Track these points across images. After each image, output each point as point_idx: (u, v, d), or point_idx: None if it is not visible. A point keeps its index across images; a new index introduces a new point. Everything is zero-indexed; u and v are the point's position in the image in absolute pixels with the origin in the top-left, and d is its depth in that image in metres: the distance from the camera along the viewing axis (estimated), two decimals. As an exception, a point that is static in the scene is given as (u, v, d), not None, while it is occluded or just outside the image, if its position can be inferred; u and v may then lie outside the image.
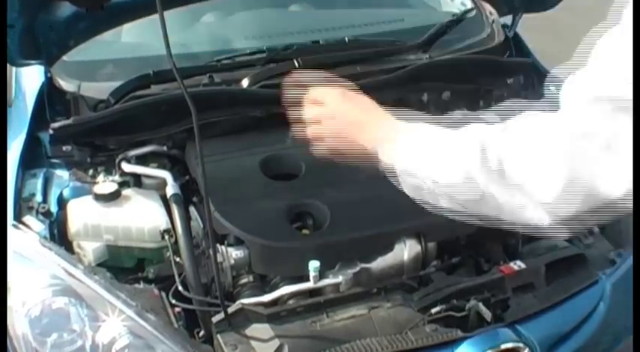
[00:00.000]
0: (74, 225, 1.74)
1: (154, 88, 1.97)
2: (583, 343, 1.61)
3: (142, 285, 1.65)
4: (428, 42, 2.28)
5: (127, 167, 1.91)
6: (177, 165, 1.97)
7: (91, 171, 1.93)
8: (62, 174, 1.91)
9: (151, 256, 1.76)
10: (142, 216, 1.76)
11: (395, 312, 1.56)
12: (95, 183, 1.87)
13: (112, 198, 1.78)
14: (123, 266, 1.76)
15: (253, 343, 1.47)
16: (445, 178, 1.07)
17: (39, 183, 1.86)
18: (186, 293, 1.61)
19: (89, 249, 1.72)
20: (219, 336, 1.49)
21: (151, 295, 1.61)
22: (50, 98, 2.02)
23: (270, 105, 2.00)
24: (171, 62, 1.43)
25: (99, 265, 1.71)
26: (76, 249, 1.74)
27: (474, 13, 2.43)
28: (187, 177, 1.93)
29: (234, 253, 1.68)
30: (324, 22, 2.45)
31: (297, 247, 1.67)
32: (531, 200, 0.94)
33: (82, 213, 1.76)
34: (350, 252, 1.71)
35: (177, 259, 1.68)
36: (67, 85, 2.02)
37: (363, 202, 1.78)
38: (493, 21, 2.45)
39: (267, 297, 1.60)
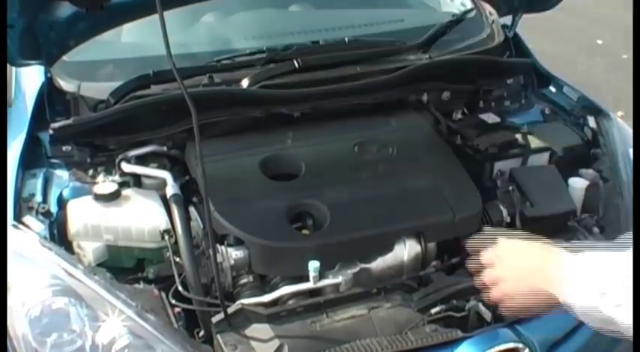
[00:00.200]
0: (74, 225, 1.74)
1: (154, 88, 1.97)
2: (583, 343, 1.61)
3: (141, 285, 1.65)
4: (428, 42, 2.28)
5: (126, 167, 1.92)
6: (177, 165, 1.97)
7: (91, 171, 1.93)
8: (62, 174, 1.92)
9: (151, 256, 1.76)
10: (142, 216, 1.76)
11: (395, 312, 1.56)
12: (95, 183, 1.87)
13: (112, 198, 1.78)
14: (123, 266, 1.76)
15: (253, 343, 1.47)
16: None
17: (39, 183, 1.86)
18: (186, 294, 1.61)
19: (89, 249, 1.72)
20: (219, 336, 1.49)
21: (150, 295, 1.61)
22: (50, 98, 2.02)
23: (270, 105, 2.00)
24: (171, 62, 1.43)
25: (99, 265, 1.72)
26: (76, 249, 1.74)
27: (473, 13, 2.43)
28: (187, 177, 1.93)
29: (234, 253, 1.68)
30: (324, 22, 2.46)
31: (297, 247, 1.67)
32: None
33: (82, 213, 1.76)
34: (350, 252, 1.72)
35: (177, 259, 1.68)
36: (67, 85, 2.03)
37: (363, 202, 1.78)
38: (493, 21, 2.45)
39: (267, 297, 1.60)
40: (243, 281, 1.70)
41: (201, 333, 1.59)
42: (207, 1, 2.12)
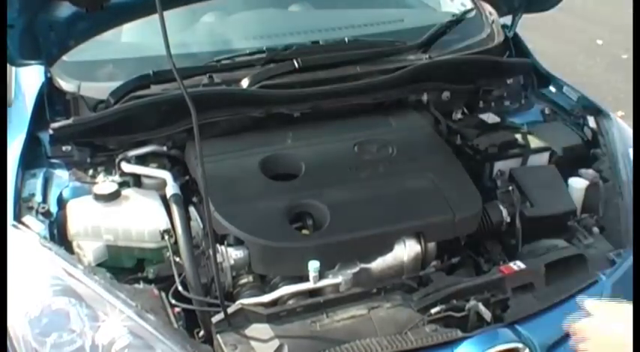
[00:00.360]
0: (74, 225, 1.74)
1: (154, 88, 1.97)
2: (583, 343, 1.61)
3: (141, 285, 1.65)
4: (428, 42, 2.28)
5: (126, 167, 1.92)
6: (177, 165, 1.97)
7: (90, 171, 1.93)
8: (62, 174, 1.92)
9: (151, 256, 1.76)
10: (142, 216, 1.76)
11: (395, 312, 1.56)
12: (95, 183, 1.88)
13: (112, 198, 1.78)
14: (123, 266, 1.76)
15: (253, 343, 1.47)
16: None
17: (39, 183, 1.86)
18: (186, 294, 1.61)
19: (89, 249, 1.72)
20: (219, 336, 1.49)
21: (150, 295, 1.61)
22: (50, 98, 2.02)
23: (270, 105, 2.00)
24: (171, 62, 1.43)
25: (99, 265, 1.72)
26: (76, 249, 1.74)
27: (473, 13, 2.44)
28: (187, 177, 1.93)
29: (234, 253, 1.68)
30: (324, 22, 2.46)
31: (297, 247, 1.67)
32: None
33: (82, 213, 1.76)
34: (350, 252, 1.72)
35: (177, 259, 1.68)
36: (66, 85, 2.03)
37: (362, 202, 1.78)
38: (493, 21, 2.45)
39: (267, 297, 1.60)
40: (243, 281, 1.70)
41: (201, 333, 1.59)
42: (207, 1, 2.12)
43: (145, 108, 1.90)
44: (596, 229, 1.92)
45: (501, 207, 1.89)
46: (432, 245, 1.78)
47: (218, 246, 1.67)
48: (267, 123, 2.02)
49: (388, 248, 1.73)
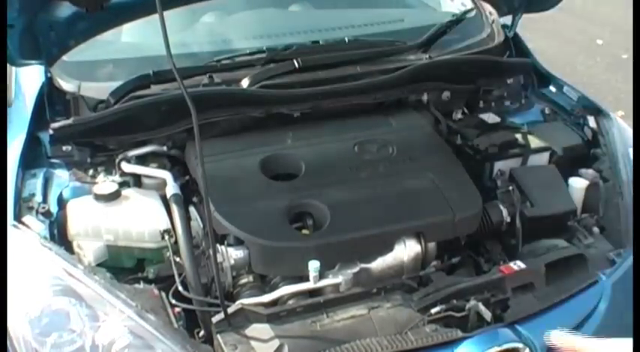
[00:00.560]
0: (74, 225, 1.74)
1: (154, 88, 1.97)
2: (583, 343, 1.61)
3: (142, 285, 1.65)
4: (428, 42, 2.28)
5: (127, 167, 1.92)
6: (177, 165, 1.97)
7: (91, 171, 1.93)
8: (62, 174, 1.92)
9: (151, 256, 1.76)
10: (142, 216, 1.76)
11: (395, 312, 1.56)
12: (95, 183, 1.87)
13: (112, 198, 1.78)
14: (123, 266, 1.76)
15: (253, 343, 1.47)
16: None
17: (39, 183, 1.86)
18: (186, 294, 1.61)
19: (89, 249, 1.72)
20: (219, 336, 1.49)
21: (151, 295, 1.61)
22: (50, 98, 2.02)
23: (270, 105, 2.00)
24: (171, 62, 1.43)
25: (99, 265, 1.72)
26: (76, 249, 1.74)
27: (473, 13, 2.44)
28: (187, 177, 1.93)
29: (234, 253, 1.68)
30: (324, 22, 2.46)
31: (297, 247, 1.67)
32: None
33: (82, 213, 1.76)
34: (350, 252, 1.71)
35: (177, 259, 1.68)
36: (67, 85, 2.03)
37: (363, 202, 1.78)
38: (493, 21, 2.45)
39: (267, 297, 1.60)
40: (243, 281, 1.70)
41: (201, 333, 1.59)
42: (207, 0, 2.12)
43: (145, 108, 1.90)
44: (596, 229, 1.92)
45: (501, 207, 1.89)
46: (432, 245, 1.78)
47: (218, 245, 1.67)
48: (267, 123, 2.02)
49: (388, 248, 1.73)
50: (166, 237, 1.71)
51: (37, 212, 1.76)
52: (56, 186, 1.88)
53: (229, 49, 2.19)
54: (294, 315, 1.54)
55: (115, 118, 1.89)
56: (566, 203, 1.95)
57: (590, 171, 2.06)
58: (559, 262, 1.73)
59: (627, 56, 5.13)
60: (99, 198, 1.78)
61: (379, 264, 1.73)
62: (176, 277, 1.63)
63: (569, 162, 2.11)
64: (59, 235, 1.75)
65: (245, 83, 2.02)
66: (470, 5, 2.47)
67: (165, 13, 1.38)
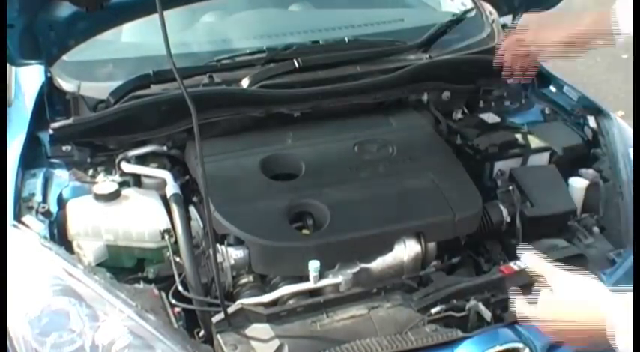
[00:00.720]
0: (74, 225, 1.74)
1: (154, 88, 1.97)
2: (583, 343, 1.61)
3: (142, 285, 1.65)
4: (428, 42, 2.28)
5: (126, 167, 1.92)
6: (177, 165, 1.97)
7: (91, 171, 1.93)
8: (62, 174, 1.92)
9: (151, 256, 1.76)
10: (142, 216, 1.76)
11: (395, 312, 1.56)
12: (95, 183, 1.87)
13: (112, 198, 1.78)
14: (123, 266, 1.76)
15: (253, 343, 1.47)
16: None
17: (39, 183, 1.86)
18: (186, 293, 1.61)
19: (89, 249, 1.72)
20: (219, 336, 1.49)
21: (151, 295, 1.61)
22: (50, 98, 2.02)
23: (270, 105, 2.00)
24: (171, 62, 1.43)
25: (99, 265, 1.71)
26: (76, 249, 1.74)
27: (473, 13, 2.43)
28: (187, 177, 1.93)
29: (234, 253, 1.68)
30: (324, 22, 2.45)
31: (297, 247, 1.67)
32: None
33: (82, 213, 1.76)
34: (350, 252, 1.71)
35: (177, 259, 1.68)
36: (67, 85, 2.02)
37: (363, 202, 1.78)
38: (493, 21, 2.45)
39: (267, 297, 1.60)
40: (243, 281, 1.70)
41: (201, 333, 1.59)
42: (207, 0, 2.12)
43: (145, 108, 1.90)
44: (596, 229, 1.92)
45: (501, 207, 1.89)
46: (432, 245, 1.78)
47: (218, 245, 1.67)
48: (267, 123, 2.02)
49: (388, 248, 1.73)
50: (166, 237, 1.71)
51: (37, 212, 1.76)
52: (56, 186, 1.88)
53: (229, 49, 2.19)
54: (294, 315, 1.54)
55: (114, 118, 1.89)
56: (566, 203, 1.95)
57: (590, 171, 2.06)
58: (559, 262, 1.72)
59: (627, 56, 5.13)
60: (99, 197, 1.78)
61: (379, 263, 1.73)
62: (176, 277, 1.63)
63: (569, 162, 2.11)
64: (59, 235, 1.75)
65: (245, 83, 2.02)
66: (470, 5, 2.47)
67: (166, 13, 1.38)
